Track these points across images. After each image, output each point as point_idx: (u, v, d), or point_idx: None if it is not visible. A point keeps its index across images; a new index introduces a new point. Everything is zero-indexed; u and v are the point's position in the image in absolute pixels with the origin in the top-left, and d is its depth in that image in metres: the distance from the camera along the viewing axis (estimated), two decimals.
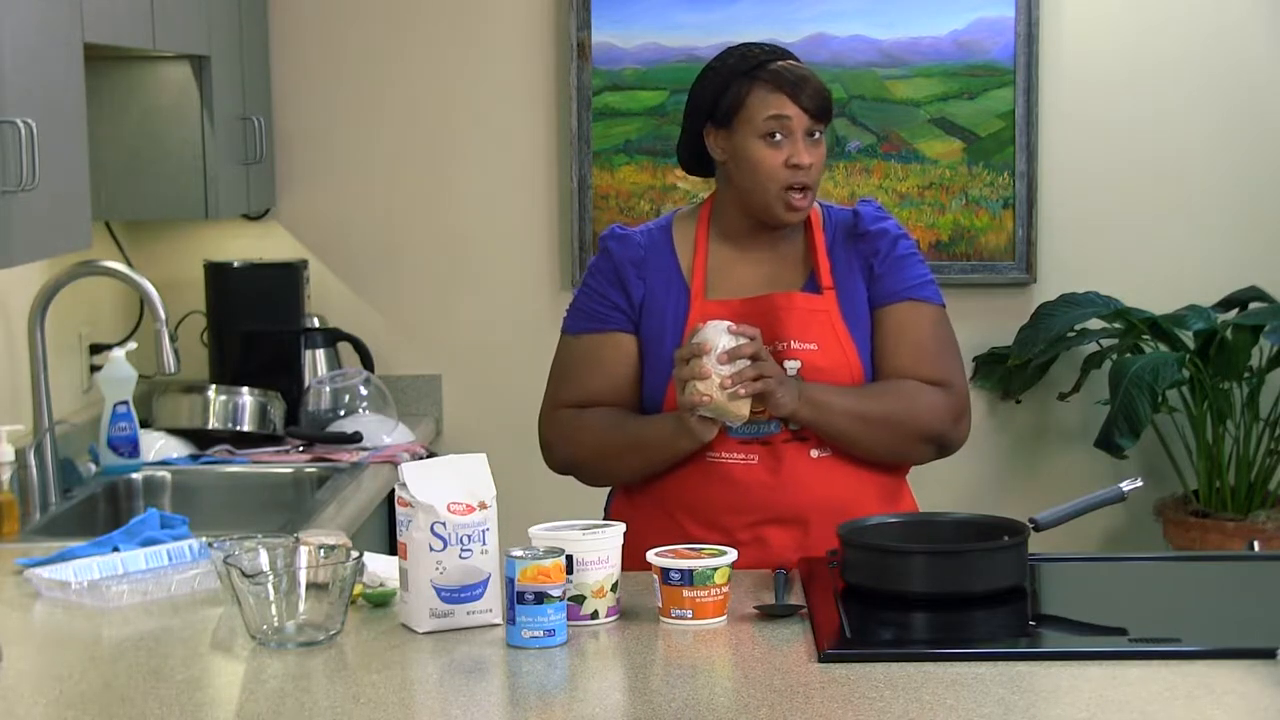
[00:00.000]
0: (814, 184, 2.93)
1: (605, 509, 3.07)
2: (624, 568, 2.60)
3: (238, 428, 4.28)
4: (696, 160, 3.03)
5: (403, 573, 2.54)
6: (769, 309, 2.92)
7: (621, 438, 2.94)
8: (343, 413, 4.40)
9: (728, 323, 2.82)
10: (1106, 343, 4.74)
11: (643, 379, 2.97)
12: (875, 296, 2.97)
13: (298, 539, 2.65)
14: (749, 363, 2.79)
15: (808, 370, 2.89)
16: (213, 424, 4.27)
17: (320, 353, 4.64)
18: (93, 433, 4.03)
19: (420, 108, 4.85)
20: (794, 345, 2.91)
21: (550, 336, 4.84)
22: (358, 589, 2.65)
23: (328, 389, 4.44)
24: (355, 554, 2.57)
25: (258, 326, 4.59)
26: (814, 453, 2.91)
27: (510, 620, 2.46)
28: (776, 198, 2.92)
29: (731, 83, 2.93)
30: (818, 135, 2.93)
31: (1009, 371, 4.78)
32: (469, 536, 2.52)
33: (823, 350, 2.91)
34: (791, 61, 2.95)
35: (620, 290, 2.98)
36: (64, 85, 3.20)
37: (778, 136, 2.89)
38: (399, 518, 2.54)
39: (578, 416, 2.98)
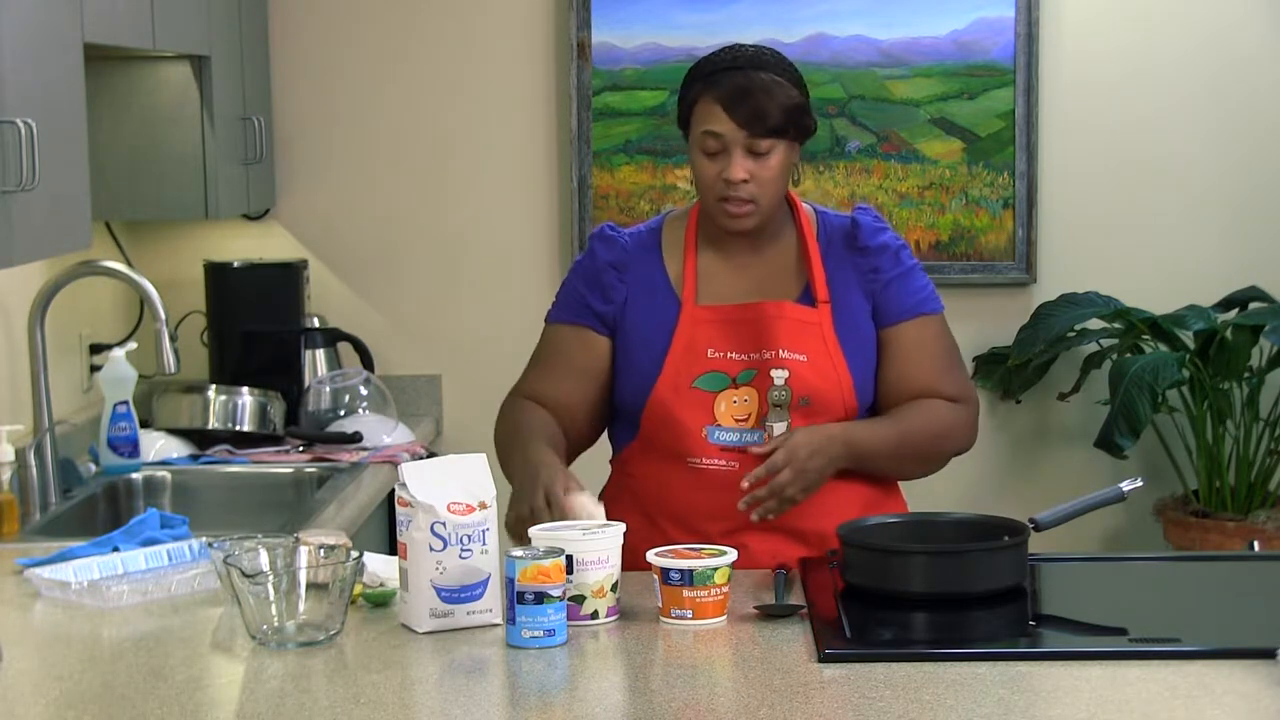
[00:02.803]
0: (754, 197, 2.89)
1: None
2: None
3: (238, 428, 4.28)
4: None
5: (403, 573, 2.54)
6: (760, 317, 2.92)
7: (511, 449, 2.94)
8: (343, 413, 4.40)
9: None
10: (1106, 343, 4.74)
11: (616, 382, 2.98)
12: (883, 316, 2.97)
13: (298, 539, 2.65)
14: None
15: (795, 381, 2.89)
16: (213, 424, 4.27)
17: (320, 353, 4.64)
18: (93, 433, 4.03)
19: (420, 108, 4.85)
20: (783, 354, 2.90)
21: None
22: (358, 589, 2.65)
23: (328, 389, 4.44)
24: (355, 554, 2.57)
25: (258, 326, 4.58)
26: None
27: (510, 620, 2.47)
28: (715, 207, 2.91)
29: (688, 89, 2.94)
30: (765, 148, 2.87)
31: (1009, 371, 4.78)
32: (469, 536, 2.52)
33: (811, 361, 2.91)
34: (754, 73, 2.88)
35: (597, 292, 2.98)
36: (64, 85, 3.20)
37: (714, 149, 2.89)
38: (399, 518, 2.54)
39: (517, 409, 3.00)
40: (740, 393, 2.90)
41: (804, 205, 3.03)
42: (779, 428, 2.90)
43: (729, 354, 2.91)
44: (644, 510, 2.94)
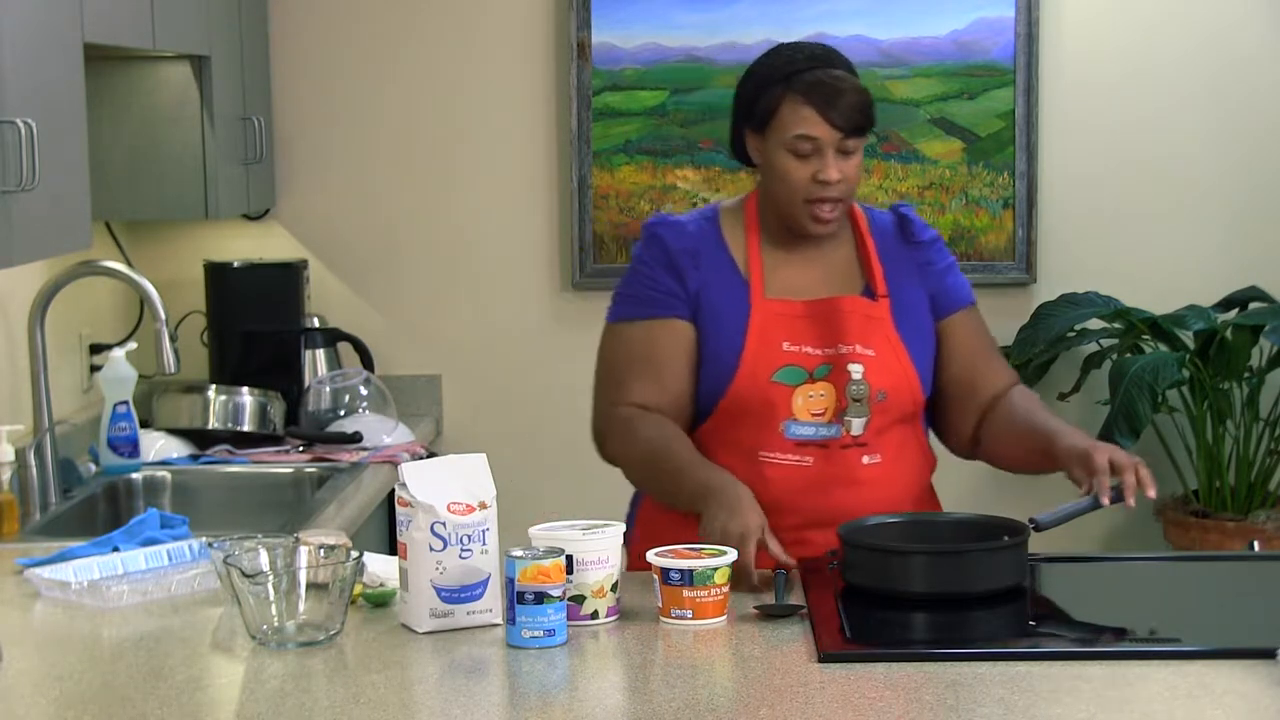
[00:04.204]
0: (844, 196, 2.90)
1: (632, 503, 3.07)
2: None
3: (238, 428, 4.28)
4: (743, 152, 3.01)
5: (403, 573, 2.54)
6: (832, 312, 2.92)
7: (665, 464, 2.88)
8: (343, 413, 4.40)
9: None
10: (1106, 343, 4.74)
11: (699, 374, 2.94)
12: (940, 307, 3.00)
13: (298, 539, 2.65)
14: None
15: (869, 375, 2.90)
16: (213, 424, 4.27)
17: (320, 353, 4.64)
18: (93, 433, 4.03)
19: (420, 108, 4.85)
20: (857, 349, 2.90)
21: (551, 336, 4.90)
22: (358, 589, 2.65)
23: (328, 389, 4.44)
24: (355, 554, 2.57)
25: (258, 326, 4.58)
26: (865, 459, 2.90)
27: (510, 620, 2.47)
28: (802, 210, 2.90)
29: (766, 89, 2.90)
30: (853, 148, 2.89)
31: None
32: (469, 536, 2.52)
33: (879, 356, 2.91)
34: (832, 71, 2.89)
35: (675, 277, 2.95)
36: (64, 85, 3.20)
37: (806, 152, 2.88)
38: (399, 518, 2.54)
39: (637, 420, 2.92)
40: (817, 387, 2.90)
41: (853, 203, 3.03)
42: (858, 423, 2.89)
43: (804, 348, 2.90)
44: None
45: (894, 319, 2.95)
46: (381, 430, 4.33)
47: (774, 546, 2.71)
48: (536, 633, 2.45)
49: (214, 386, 4.33)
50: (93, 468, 3.93)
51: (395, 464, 3.77)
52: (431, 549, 2.51)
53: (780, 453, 2.88)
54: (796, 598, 2.66)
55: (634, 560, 2.77)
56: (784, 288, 2.94)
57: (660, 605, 2.56)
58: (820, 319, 2.91)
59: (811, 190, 2.88)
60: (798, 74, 2.88)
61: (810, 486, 2.87)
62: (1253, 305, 4.73)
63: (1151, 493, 2.72)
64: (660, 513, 2.94)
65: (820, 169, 2.87)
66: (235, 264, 4.62)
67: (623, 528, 2.60)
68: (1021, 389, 3.03)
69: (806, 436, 2.89)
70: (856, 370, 2.89)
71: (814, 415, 2.89)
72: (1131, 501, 2.73)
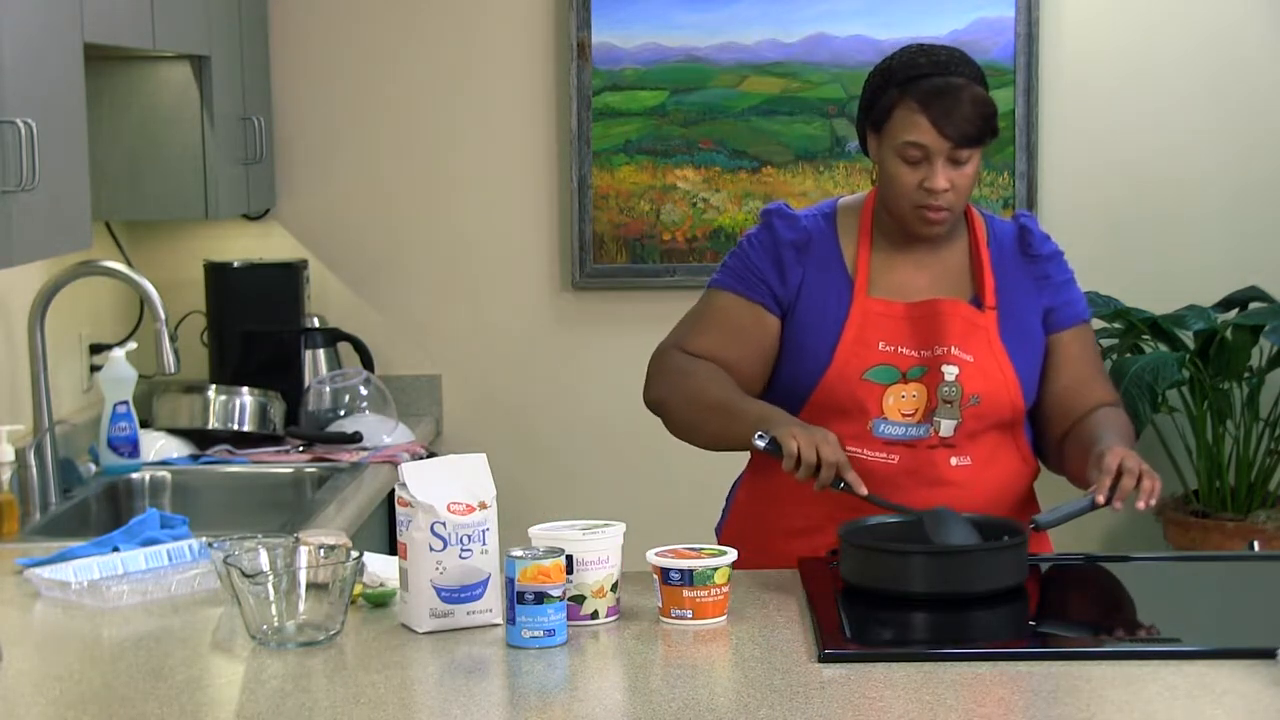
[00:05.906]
0: (952, 205, 2.88)
1: (730, 494, 3.08)
2: (740, 560, 2.59)
3: (238, 428, 4.28)
4: (866, 148, 3.00)
5: (403, 573, 2.54)
6: (934, 313, 2.91)
7: (714, 397, 2.90)
8: (343, 413, 4.40)
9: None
10: (1106, 343, 4.74)
11: (782, 364, 2.95)
12: (1054, 322, 2.98)
13: (298, 539, 2.65)
14: None
15: (964, 379, 2.88)
16: (213, 424, 4.27)
17: (320, 353, 4.64)
18: (93, 433, 4.03)
19: (420, 107, 4.85)
20: (954, 351, 2.89)
21: (551, 336, 4.91)
22: (358, 589, 2.65)
23: (328, 389, 4.44)
24: (355, 554, 2.57)
25: (258, 326, 4.59)
26: (953, 460, 2.89)
27: (510, 620, 2.47)
28: (910, 213, 2.89)
29: (885, 90, 2.88)
30: (965, 158, 2.86)
31: None
32: (469, 536, 2.52)
33: (978, 363, 2.90)
34: (952, 80, 2.86)
35: (775, 269, 2.95)
36: (64, 85, 3.20)
37: (915, 158, 2.86)
38: (399, 518, 2.54)
39: (688, 361, 2.96)
40: (910, 388, 2.89)
41: (975, 210, 3.02)
42: (947, 424, 2.88)
43: (900, 349, 2.89)
44: (794, 495, 2.88)
45: (1000, 329, 2.93)
46: (381, 430, 4.34)
47: (850, 475, 2.74)
48: (536, 633, 2.45)
49: (214, 386, 4.33)
50: (93, 468, 3.93)
51: (395, 464, 3.77)
52: (431, 549, 2.51)
53: (867, 450, 2.87)
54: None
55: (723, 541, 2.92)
56: (889, 288, 2.94)
57: (660, 605, 2.56)
58: (920, 320, 2.91)
59: (918, 197, 2.87)
60: (916, 79, 2.86)
61: (893, 484, 2.85)
62: (1253, 305, 4.73)
63: (1141, 504, 2.69)
64: (763, 494, 2.95)
65: (928, 177, 2.85)
66: (235, 264, 4.63)
67: (622, 527, 2.60)
68: (1109, 410, 2.97)
69: (895, 436, 2.88)
70: (950, 372, 2.88)
71: (904, 415, 2.88)
72: (1119, 505, 2.72)
